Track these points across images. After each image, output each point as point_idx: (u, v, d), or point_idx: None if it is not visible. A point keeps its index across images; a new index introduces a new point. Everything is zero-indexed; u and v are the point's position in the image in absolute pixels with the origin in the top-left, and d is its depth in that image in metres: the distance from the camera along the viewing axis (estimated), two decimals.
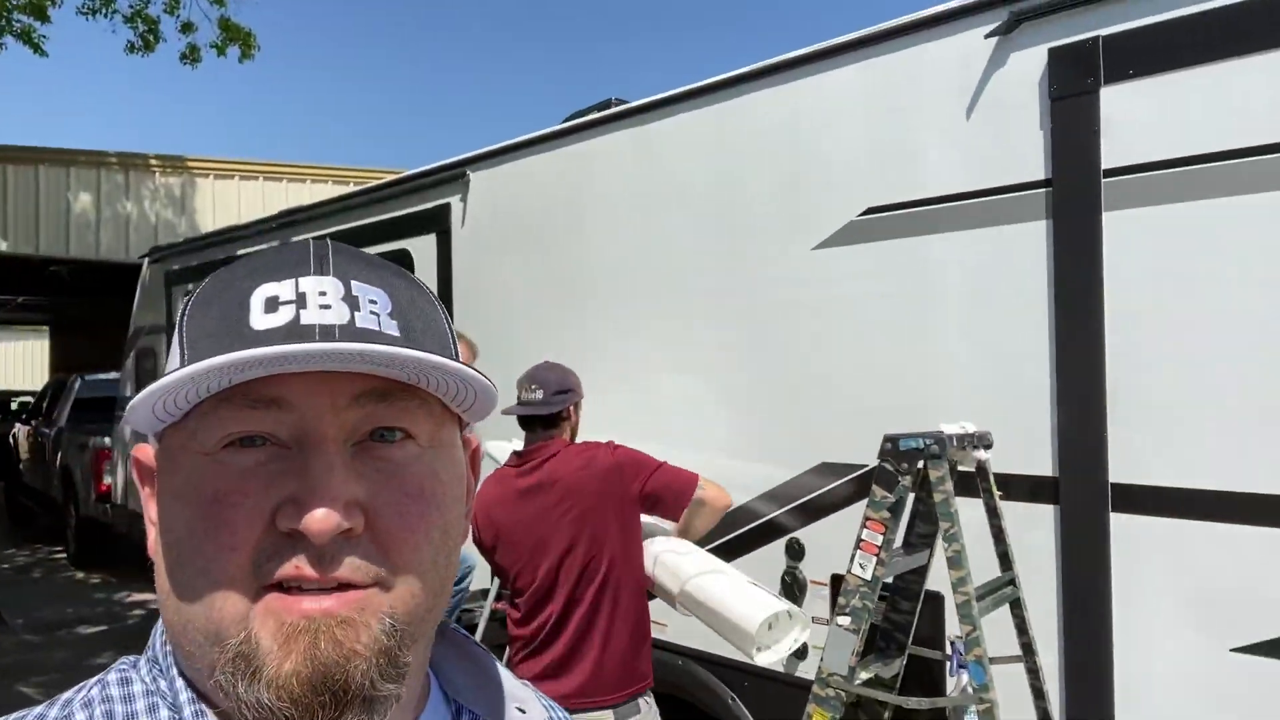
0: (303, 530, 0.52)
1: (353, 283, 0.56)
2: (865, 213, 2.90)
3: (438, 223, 4.51)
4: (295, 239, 5.62)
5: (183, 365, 0.53)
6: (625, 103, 3.92)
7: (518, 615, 2.70)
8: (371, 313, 0.55)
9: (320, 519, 0.51)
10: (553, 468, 2.69)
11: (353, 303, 0.55)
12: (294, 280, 0.55)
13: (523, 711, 0.68)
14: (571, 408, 2.85)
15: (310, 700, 0.51)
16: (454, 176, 4.41)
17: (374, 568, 0.54)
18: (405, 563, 0.55)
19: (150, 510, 0.60)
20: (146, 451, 0.61)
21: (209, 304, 0.56)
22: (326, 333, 0.53)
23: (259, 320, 0.53)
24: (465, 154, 4.42)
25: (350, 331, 0.53)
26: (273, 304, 0.54)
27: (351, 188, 12.80)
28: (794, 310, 3.06)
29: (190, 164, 12.69)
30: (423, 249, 4.58)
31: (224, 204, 12.64)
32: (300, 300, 0.54)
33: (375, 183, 5.38)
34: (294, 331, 0.53)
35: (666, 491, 2.68)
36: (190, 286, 7.03)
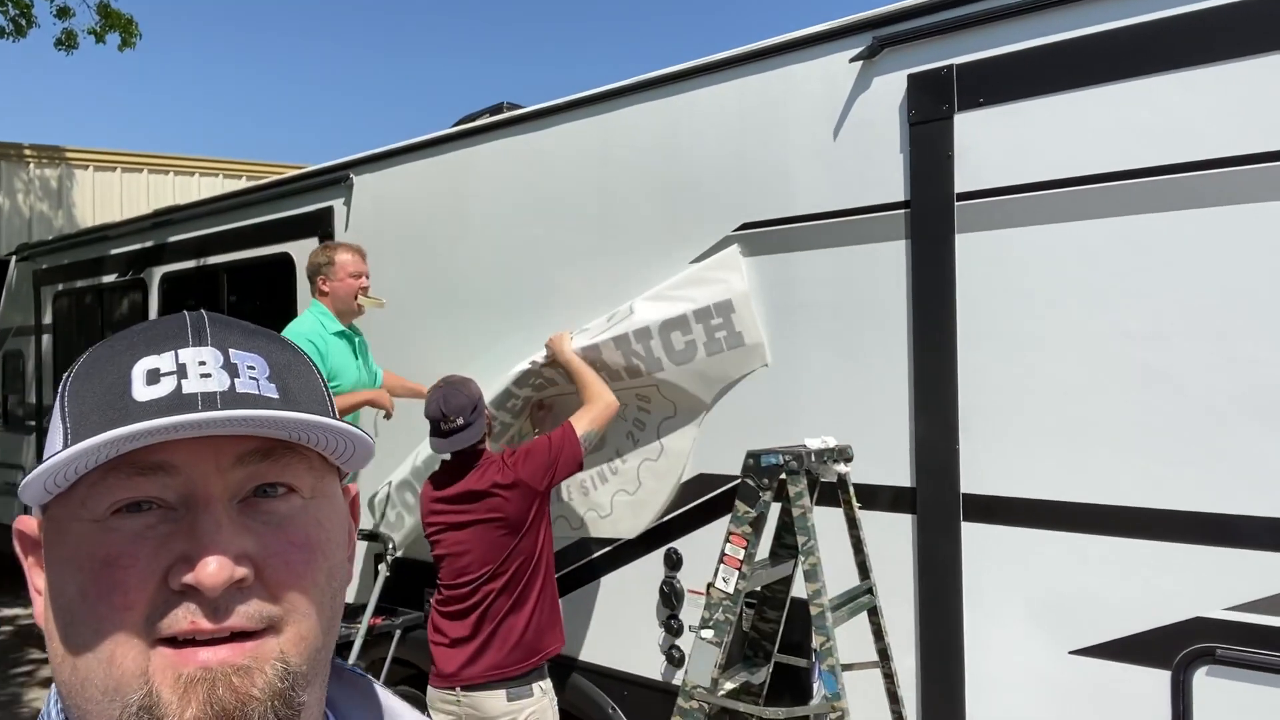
0: (195, 583, 0.54)
1: (230, 350, 0.59)
2: (741, 228, 2.95)
3: (320, 225, 4.40)
4: (174, 238, 5.41)
5: (68, 440, 0.55)
6: (519, 107, 3.90)
7: (440, 597, 3.00)
8: (251, 378, 0.58)
9: (213, 572, 0.54)
10: (475, 482, 2.92)
11: (232, 370, 0.58)
12: (173, 352, 0.58)
13: None
14: (487, 418, 3.08)
15: None
16: (337, 179, 4.31)
17: (265, 615, 0.56)
18: (294, 608, 0.58)
19: (36, 579, 0.61)
20: (29, 523, 0.62)
21: (89, 378, 0.58)
22: (209, 400, 0.56)
23: (141, 392, 0.56)
24: (348, 156, 4.33)
25: (231, 397, 0.57)
26: (154, 376, 0.57)
27: (245, 183, 12.38)
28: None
29: (69, 155, 12.03)
30: (304, 252, 4.45)
31: (105, 198, 12.03)
32: (181, 370, 0.57)
33: (259, 181, 5.22)
34: (178, 401, 0.55)
35: (562, 465, 2.94)
36: (60, 287, 6.70)
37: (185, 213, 5.45)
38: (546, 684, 2.94)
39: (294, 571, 0.58)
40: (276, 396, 0.59)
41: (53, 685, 0.61)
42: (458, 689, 2.85)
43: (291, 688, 0.57)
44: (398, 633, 3.62)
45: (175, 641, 0.55)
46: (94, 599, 0.55)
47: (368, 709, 0.70)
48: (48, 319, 6.85)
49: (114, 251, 6.03)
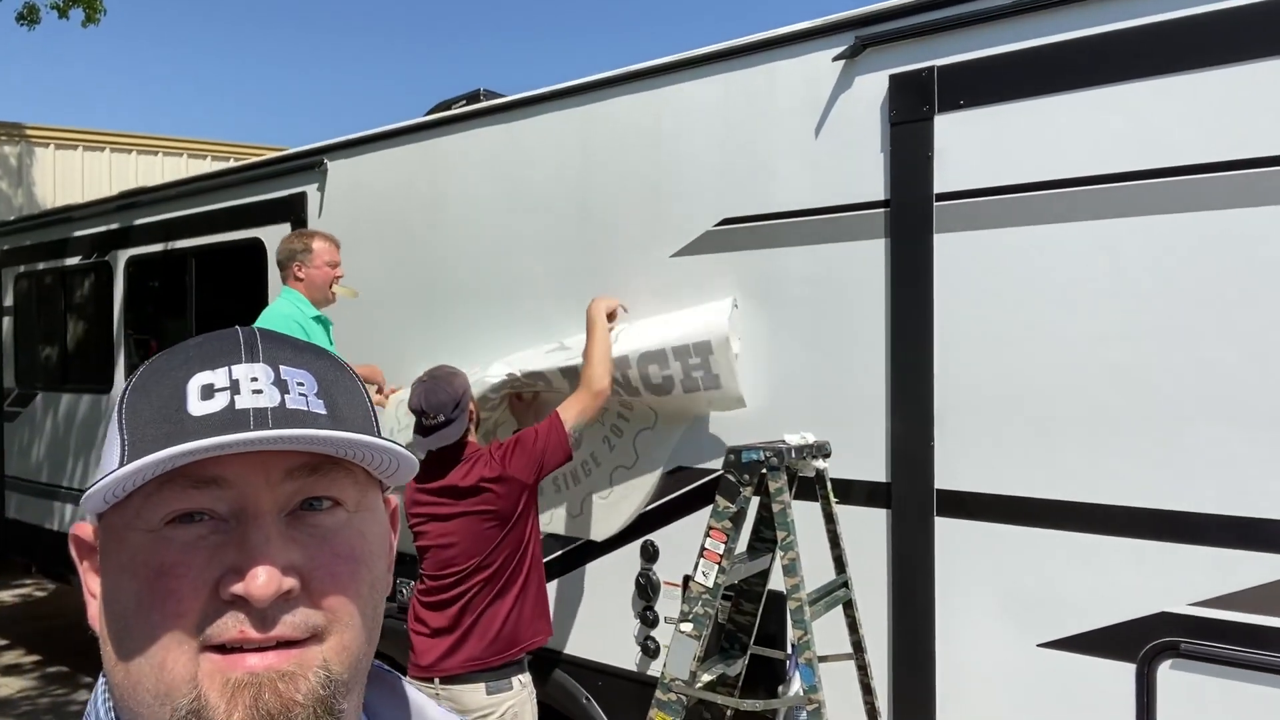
0: (245, 595, 0.57)
1: (281, 367, 0.62)
2: (722, 223, 2.96)
3: (293, 211, 4.35)
4: (140, 220, 5.30)
5: (125, 452, 0.58)
6: (496, 95, 3.87)
7: (423, 587, 2.97)
8: (300, 394, 0.61)
9: (262, 585, 0.57)
10: (462, 476, 2.89)
11: (282, 386, 0.60)
12: (227, 368, 0.60)
13: None
14: (470, 411, 3.01)
15: None
16: (311, 164, 4.26)
17: (310, 625, 0.59)
18: (338, 618, 0.60)
19: (90, 583, 0.64)
20: (86, 529, 0.65)
21: (146, 392, 0.61)
22: (260, 417, 0.58)
23: (196, 407, 0.58)
24: (323, 141, 4.28)
25: (282, 414, 0.59)
26: (209, 391, 0.59)
27: (210, 164, 12.16)
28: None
29: (28, 132, 11.74)
30: (276, 238, 4.39)
31: (67, 177, 11.76)
32: (234, 387, 0.59)
33: (226, 163, 5.13)
34: (231, 417, 0.58)
35: (549, 457, 2.90)
36: (22, 269, 6.56)
37: (153, 195, 5.35)
38: (525, 677, 2.93)
39: (339, 583, 0.61)
40: (324, 413, 0.61)
41: (99, 683, 0.64)
42: (436, 681, 2.83)
43: (333, 695, 0.59)
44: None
45: (223, 649, 0.57)
46: (148, 606, 0.58)
47: (397, 706, 0.72)
48: (9, 301, 6.71)
49: (78, 233, 5.91)
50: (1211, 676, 2.12)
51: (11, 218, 7.44)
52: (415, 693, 0.74)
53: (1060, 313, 2.34)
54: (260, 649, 0.58)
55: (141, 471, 0.56)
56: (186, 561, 0.58)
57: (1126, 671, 2.23)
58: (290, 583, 0.58)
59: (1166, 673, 2.18)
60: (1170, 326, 2.19)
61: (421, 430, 2.91)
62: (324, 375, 0.64)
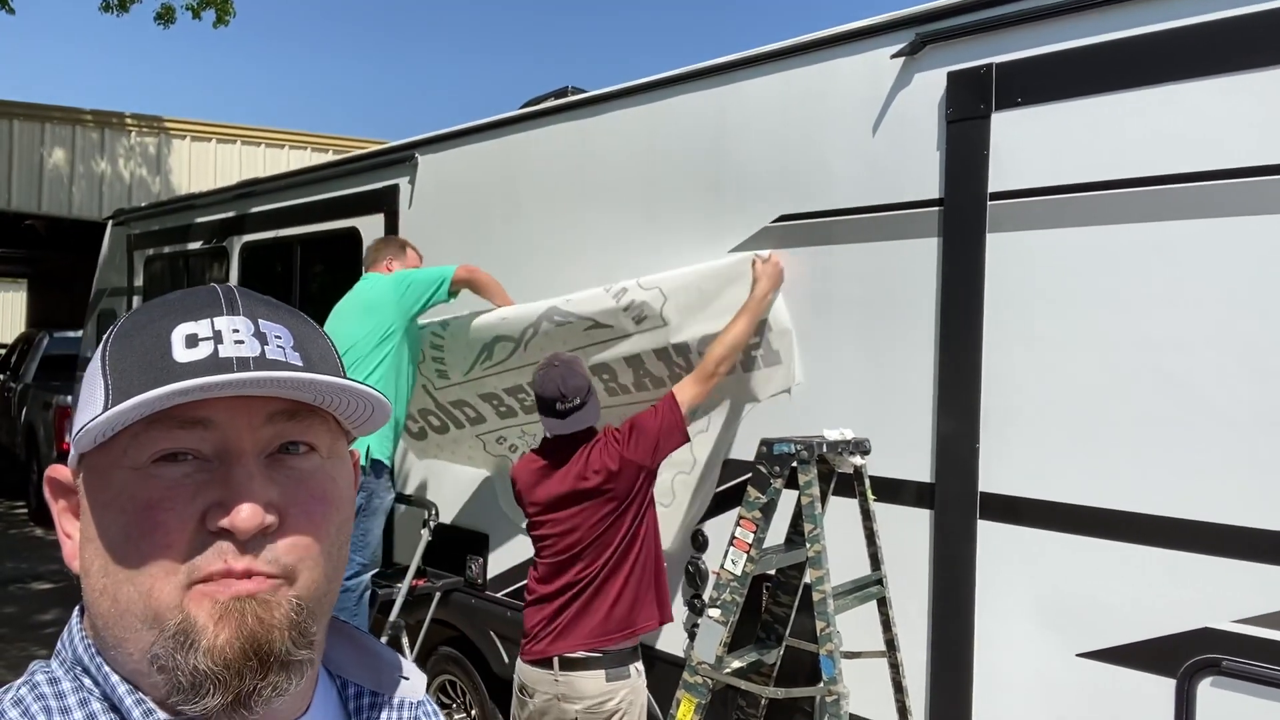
0: (230, 526, 0.62)
1: (260, 321, 0.66)
2: (779, 219, 2.99)
3: (386, 203, 4.58)
4: (254, 209, 5.66)
5: (110, 395, 0.62)
6: (582, 91, 3.99)
7: (538, 574, 2.95)
8: (278, 346, 0.65)
9: (245, 517, 0.62)
10: (583, 461, 2.87)
11: (261, 338, 0.65)
12: (209, 320, 0.65)
13: (406, 678, 0.79)
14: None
15: (241, 664, 0.62)
16: (403, 159, 4.47)
17: (286, 558, 0.64)
18: (310, 553, 0.66)
19: (66, 524, 0.69)
20: (63, 471, 0.69)
21: (129, 340, 0.65)
22: (243, 364, 0.63)
23: (182, 354, 0.63)
24: (415, 137, 4.49)
25: (263, 362, 0.64)
26: (193, 340, 0.64)
27: (330, 155, 12.78)
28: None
29: (167, 124, 12.62)
30: (371, 227, 4.64)
31: (200, 166, 12.60)
32: (217, 337, 0.64)
33: (341, 155, 5.43)
34: (216, 364, 0.63)
35: (665, 439, 2.85)
36: (150, 253, 7.07)
37: (263, 186, 5.71)
38: (641, 666, 2.92)
39: (313, 521, 0.66)
40: (300, 364, 0.66)
41: (71, 621, 0.69)
42: (555, 666, 2.81)
43: (305, 620, 0.65)
44: (437, 595, 3.79)
45: (207, 579, 0.63)
46: (137, 537, 0.62)
47: (355, 654, 0.78)
48: (139, 282, 7.25)
49: (200, 219, 6.35)
50: (1252, 696, 2.04)
51: (145, 204, 8.02)
52: (376, 642, 0.80)
53: (1112, 317, 2.28)
54: (241, 578, 0.63)
55: (137, 409, 0.59)
56: (174, 496, 0.62)
57: (1166, 687, 2.17)
58: (271, 518, 0.63)
59: (1207, 690, 2.11)
60: (1226, 334, 2.11)
61: (556, 414, 2.89)
62: (298, 330, 0.68)
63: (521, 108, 4.23)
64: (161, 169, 12.40)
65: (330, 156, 12.83)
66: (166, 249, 6.85)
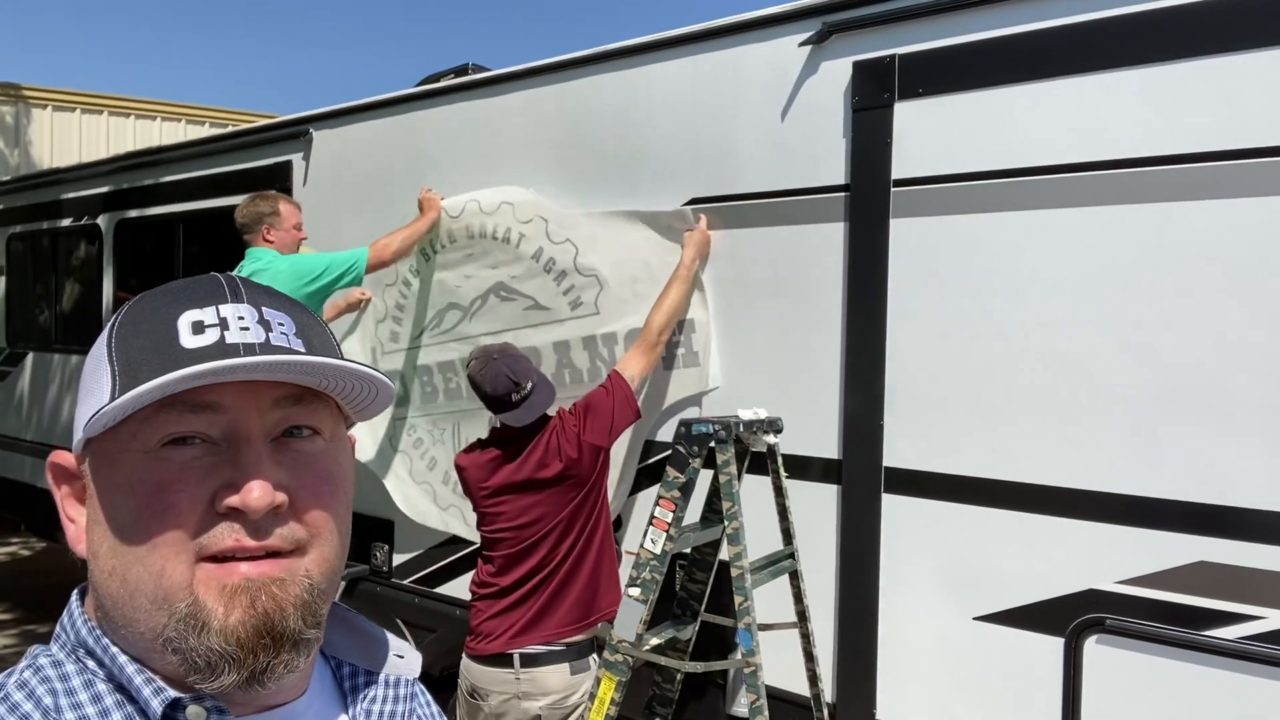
0: (241, 506, 0.63)
1: (263, 308, 0.67)
2: (689, 202, 3.03)
3: (279, 179, 4.40)
4: (130, 184, 5.36)
5: (116, 381, 0.63)
6: (484, 69, 3.92)
7: (492, 568, 2.80)
8: (282, 333, 0.67)
9: (257, 497, 0.63)
10: (540, 445, 2.75)
11: (265, 325, 0.66)
12: (214, 307, 0.66)
13: (401, 657, 0.79)
14: None
15: (254, 644, 0.63)
16: (297, 133, 4.31)
17: (296, 538, 0.65)
18: (319, 533, 0.67)
19: (70, 509, 0.70)
20: (67, 457, 0.69)
21: (136, 327, 0.66)
22: (250, 350, 0.64)
23: (189, 341, 0.64)
24: (308, 111, 4.33)
25: (268, 348, 0.65)
26: (199, 327, 0.65)
27: (207, 129, 12.16)
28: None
29: (26, 93, 11.74)
30: None
31: (64, 139, 11.78)
32: (223, 324, 0.65)
33: (221, 129, 5.18)
34: (223, 349, 0.63)
35: (619, 414, 2.78)
36: (17, 229, 6.61)
37: (141, 159, 5.40)
38: (596, 656, 2.80)
39: (321, 501, 0.68)
40: (303, 350, 0.67)
41: (71, 604, 0.69)
42: (516, 663, 2.68)
43: (315, 600, 0.66)
44: (342, 584, 3.70)
45: (217, 559, 0.63)
46: (147, 518, 0.63)
47: (349, 635, 0.79)
48: (1, 260, 6.77)
49: (69, 195, 5.97)
50: (1134, 651, 2.21)
51: (5, 178, 7.48)
52: (368, 623, 0.80)
53: (1007, 299, 2.41)
54: (252, 558, 0.64)
55: (150, 394, 0.60)
56: (184, 478, 0.63)
57: (1056, 645, 2.32)
58: (281, 497, 0.64)
59: (1093, 647, 2.27)
60: (1109, 315, 2.26)
61: (514, 405, 2.72)
62: (299, 318, 0.70)
63: (419, 84, 4.14)
64: (20, 140, 11.53)
65: (208, 130, 12.22)
66: (33, 226, 6.42)
